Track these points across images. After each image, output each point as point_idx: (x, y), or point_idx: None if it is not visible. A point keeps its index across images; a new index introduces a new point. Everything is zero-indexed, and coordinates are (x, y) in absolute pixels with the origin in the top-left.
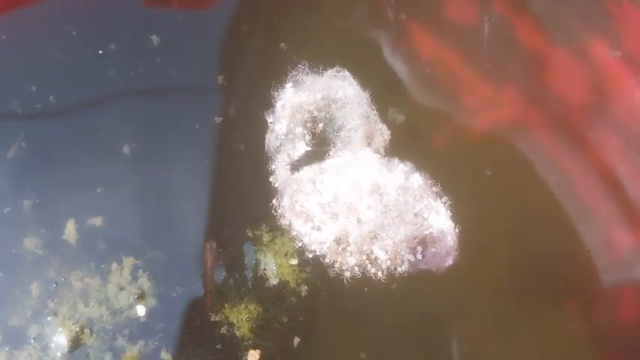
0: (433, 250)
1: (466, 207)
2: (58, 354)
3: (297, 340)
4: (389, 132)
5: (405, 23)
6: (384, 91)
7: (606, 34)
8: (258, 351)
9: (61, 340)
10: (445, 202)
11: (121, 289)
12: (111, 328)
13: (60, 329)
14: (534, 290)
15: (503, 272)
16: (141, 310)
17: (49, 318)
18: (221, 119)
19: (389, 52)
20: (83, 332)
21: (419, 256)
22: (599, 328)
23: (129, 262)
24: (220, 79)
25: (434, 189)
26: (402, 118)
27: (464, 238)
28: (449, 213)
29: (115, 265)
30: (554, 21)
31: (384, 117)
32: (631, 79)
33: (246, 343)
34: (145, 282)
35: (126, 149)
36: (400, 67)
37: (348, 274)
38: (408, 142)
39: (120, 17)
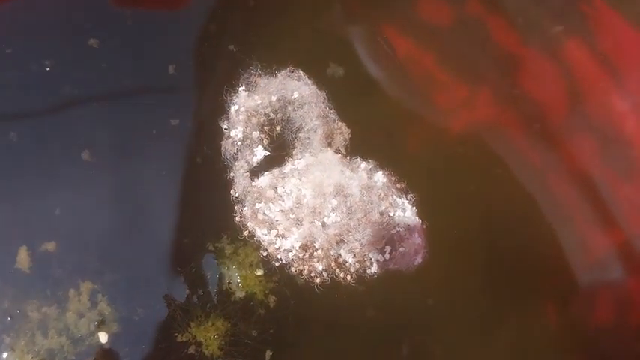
0: (402, 249)
1: (435, 206)
2: None
3: (269, 353)
4: (349, 130)
5: (378, 24)
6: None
7: (580, 35)
8: None
9: None
10: (411, 200)
11: (81, 316)
12: (73, 358)
13: None
14: (508, 291)
15: (476, 273)
16: (103, 337)
17: (5, 354)
18: (177, 121)
19: (362, 52)
20: None
21: (387, 256)
22: (574, 328)
23: (87, 286)
24: (170, 84)
25: (398, 186)
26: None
27: (432, 236)
28: (415, 210)
29: (72, 291)
30: (528, 21)
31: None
32: (605, 80)
33: None
34: (104, 307)
35: (85, 155)
36: (373, 68)
37: (317, 280)
38: (372, 141)
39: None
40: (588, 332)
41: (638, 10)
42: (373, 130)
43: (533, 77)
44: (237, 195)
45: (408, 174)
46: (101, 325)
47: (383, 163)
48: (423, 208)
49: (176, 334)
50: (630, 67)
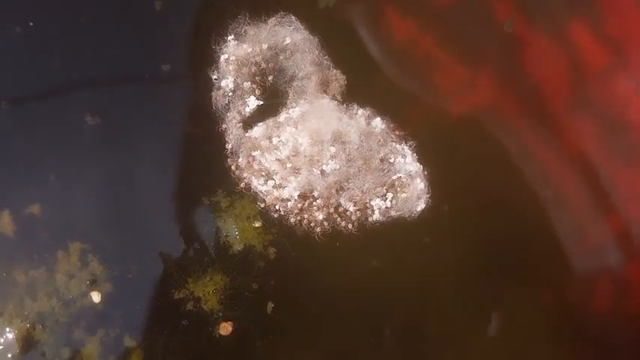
0: (403, 195)
1: (436, 152)
2: (9, 355)
3: (270, 305)
4: (344, 77)
5: (380, 5)
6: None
7: (588, 16)
8: (230, 322)
9: (10, 340)
10: (411, 146)
11: (71, 277)
12: (65, 320)
13: (8, 329)
14: (503, 275)
15: (470, 251)
16: (96, 297)
17: None
18: (169, 66)
19: (362, 32)
20: (35, 329)
21: (389, 203)
22: (571, 313)
23: (75, 247)
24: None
25: (397, 133)
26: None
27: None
28: (416, 156)
29: (60, 253)
30: (534, 1)
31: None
32: (609, 62)
33: (215, 316)
34: (96, 267)
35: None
36: (373, 48)
37: (318, 230)
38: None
39: None
40: (585, 317)
41: None
42: (370, 76)
43: (536, 59)
44: (230, 146)
45: (406, 121)
46: (93, 285)
47: (380, 110)
48: (423, 154)
49: (173, 290)
50: (636, 48)
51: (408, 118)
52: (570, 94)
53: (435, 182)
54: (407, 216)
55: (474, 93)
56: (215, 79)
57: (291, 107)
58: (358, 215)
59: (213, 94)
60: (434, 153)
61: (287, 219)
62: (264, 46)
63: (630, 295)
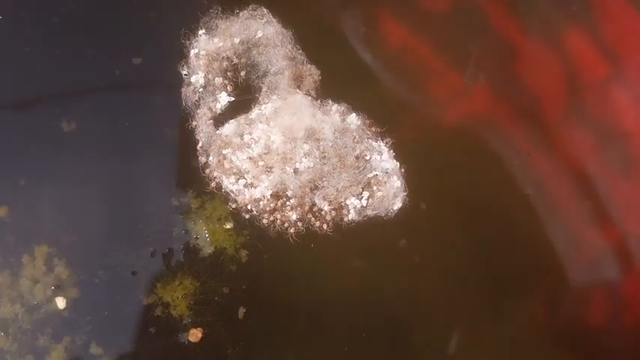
0: (380, 193)
1: (413, 149)
2: None
3: (242, 310)
4: (319, 72)
5: (374, 9)
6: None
7: (584, 26)
8: (199, 329)
9: None
10: (387, 143)
11: (36, 282)
12: (29, 327)
13: None
14: (497, 286)
15: (464, 266)
16: (61, 303)
17: None
18: (140, 60)
19: (354, 37)
20: None
21: (365, 202)
22: (565, 327)
23: (42, 250)
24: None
25: (373, 129)
26: None
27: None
28: (392, 152)
29: (26, 256)
30: (529, 8)
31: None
32: (606, 71)
33: (185, 322)
34: (62, 270)
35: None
36: (365, 54)
37: (292, 230)
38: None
39: None
40: (579, 331)
41: None
42: (345, 72)
43: (532, 67)
44: (201, 144)
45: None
46: (58, 290)
47: (356, 106)
48: (400, 151)
49: (141, 295)
50: (633, 58)
51: (395, 123)
52: (566, 103)
53: (412, 180)
54: (383, 215)
55: (468, 101)
56: (185, 75)
57: (264, 103)
58: (333, 215)
59: (183, 90)
60: (417, 154)
61: (259, 220)
62: (236, 40)
63: (625, 310)
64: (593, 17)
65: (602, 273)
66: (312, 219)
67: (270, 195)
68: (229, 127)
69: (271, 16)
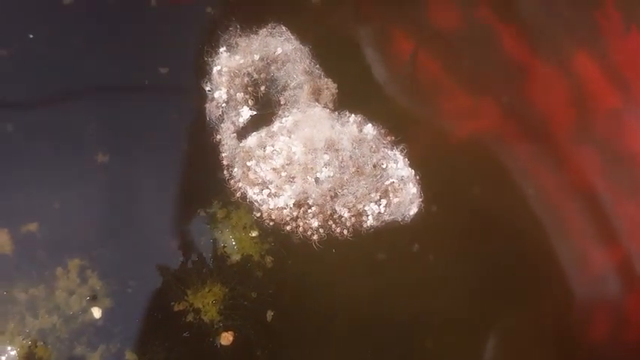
0: (396, 199)
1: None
2: None
3: (270, 313)
4: (335, 85)
5: (387, 26)
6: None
7: (593, 48)
8: (230, 332)
9: (13, 358)
10: (402, 151)
11: (71, 293)
12: (67, 336)
13: (10, 347)
14: (503, 300)
15: (473, 276)
16: (96, 313)
17: None
18: (167, 69)
19: (368, 53)
20: (37, 346)
21: (382, 209)
22: (568, 342)
23: (74, 264)
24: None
25: (388, 138)
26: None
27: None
28: (407, 160)
29: (59, 269)
30: (539, 30)
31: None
32: (614, 94)
33: (216, 326)
34: (95, 282)
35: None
36: (378, 69)
37: (314, 237)
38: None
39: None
40: (582, 347)
41: None
42: (360, 85)
43: (541, 88)
44: (225, 157)
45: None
46: (93, 300)
47: (371, 117)
48: (414, 159)
49: (172, 303)
50: None
51: (408, 134)
52: (575, 124)
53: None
54: (400, 220)
55: (477, 119)
56: (208, 91)
57: (284, 116)
58: (353, 221)
59: (207, 105)
60: (429, 163)
61: (283, 227)
62: (256, 57)
63: (628, 327)
64: (602, 40)
65: (606, 289)
66: (333, 225)
67: (293, 204)
68: (252, 140)
69: (289, 34)
